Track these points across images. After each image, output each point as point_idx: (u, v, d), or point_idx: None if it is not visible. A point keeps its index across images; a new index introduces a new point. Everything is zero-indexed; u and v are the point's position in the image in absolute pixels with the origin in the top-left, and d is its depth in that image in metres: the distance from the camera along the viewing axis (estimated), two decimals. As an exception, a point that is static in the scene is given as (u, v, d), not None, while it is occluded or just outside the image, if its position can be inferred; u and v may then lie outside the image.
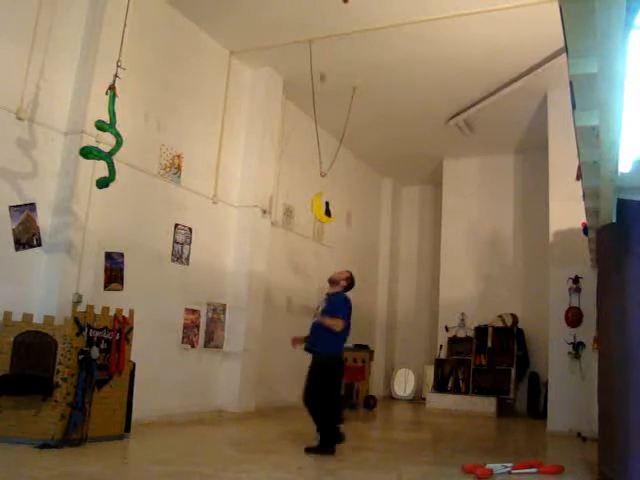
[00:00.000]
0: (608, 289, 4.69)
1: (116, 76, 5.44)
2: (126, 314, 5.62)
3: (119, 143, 5.41)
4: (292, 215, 9.97)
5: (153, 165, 7.14)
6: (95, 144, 5.76)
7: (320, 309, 5.64)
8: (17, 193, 5.60)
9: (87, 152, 5.34)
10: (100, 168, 5.50)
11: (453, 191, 12.21)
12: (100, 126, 5.39)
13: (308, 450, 5.21)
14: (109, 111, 5.38)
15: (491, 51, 7.96)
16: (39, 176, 5.80)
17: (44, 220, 5.80)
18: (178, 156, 7.51)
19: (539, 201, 9.91)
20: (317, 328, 5.52)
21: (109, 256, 6.35)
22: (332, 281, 5.82)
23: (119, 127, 5.44)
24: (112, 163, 5.32)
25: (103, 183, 5.36)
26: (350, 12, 7.25)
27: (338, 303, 5.62)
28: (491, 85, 9.00)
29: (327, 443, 5.23)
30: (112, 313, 5.49)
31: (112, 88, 5.38)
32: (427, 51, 8.07)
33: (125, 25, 5.78)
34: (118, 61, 5.55)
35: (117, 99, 5.44)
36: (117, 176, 5.42)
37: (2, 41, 5.55)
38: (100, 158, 5.35)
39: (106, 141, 5.75)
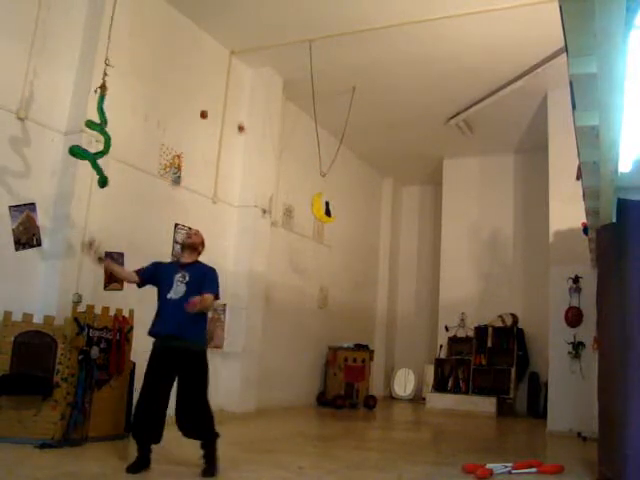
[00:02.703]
0: (608, 289, 4.69)
1: (105, 74, 5.43)
2: (126, 314, 5.62)
3: (107, 142, 5.36)
4: (292, 215, 9.97)
5: (153, 165, 7.13)
6: (95, 144, 5.76)
7: (182, 282, 4.32)
8: (17, 193, 5.60)
9: (74, 152, 5.33)
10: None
11: (453, 191, 12.21)
12: (89, 125, 5.39)
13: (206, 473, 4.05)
14: (98, 110, 5.36)
15: (491, 51, 7.96)
16: (39, 176, 5.80)
17: (44, 220, 5.79)
18: (178, 156, 7.51)
19: (539, 201, 9.91)
20: (183, 309, 4.12)
21: (109, 256, 6.33)
22: (192, 246, 4.59)
23: (119, 127, 5.45)
24: (95, 163, 5.30)
25: (100, 183, 5.39)
26: (350, 12, 7.27)
27: (214, 276, 4.47)
28: (491, 85, 9.00)
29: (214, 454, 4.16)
30: (112, 313, 5.49)
31: (102, 87, 5.37)
32: (427, 51, 8.07)
33: (112, 21, 5.76)
34: (106, 60, 5.54)
35: (116, 99, 5.45)
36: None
37: (2, 41, 5.55)
38: (84, 158, 5.35)
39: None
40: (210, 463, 4.12)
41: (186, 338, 4.27)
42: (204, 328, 4.48)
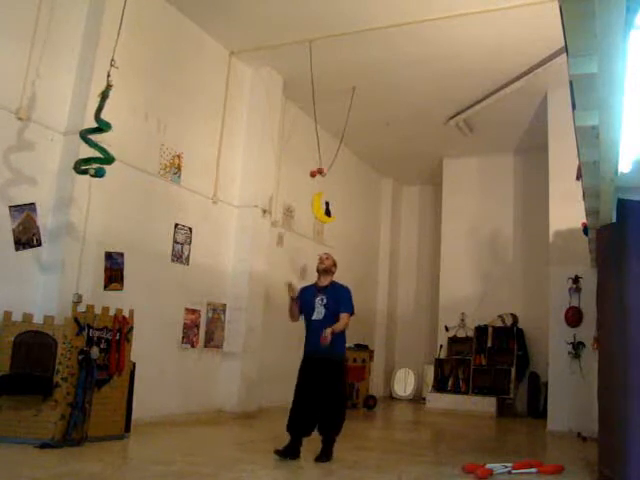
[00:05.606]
0: (608, 289, 4.69)
1: (109, 75, 5.37)
2: (126, 314, 5.62)
3: (103, 153, 5.24)
4: (292, 215, 9.97)
5: (153, 165, 7.13)
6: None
7: (321, 305, 5.08)
8: (17, 193, 5.59)
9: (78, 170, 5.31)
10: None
11: (453, 191, 12.20)
12: (83, 137, 5.28)
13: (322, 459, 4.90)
14: (95, 117, 5.23)
15: (491, 51, 7.96)
16: (39, 176, 5.80)
17: (44, 220, 5.79)
18: (178, 156, 7.50)
19: (539, 201, 9.90)
20: (326, 328, 4.91)
21: (109, 256, 6.35)
22: (326, 270, 5.25)
23: (119, 127, 5.42)
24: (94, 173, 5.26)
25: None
26: (350, 12, 7.27)
27: (348, 296, 5.20)
28: (491, 85, 9.00)
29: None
30: (112, 313, 5.49)
31: (104, 91, 5.25)
32: (427, 51, 8.06)
33: (121, 24, 5.69)
34: (112, 60, 5.44)
35: (116, 99, 5.43)
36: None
37: (2, 41, 5.54)
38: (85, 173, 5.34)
39: (107, 141, 5.72)
40: (327, 451, 4.91)
41: (329, 352, 4.93)
42: (344, 342, 5.19)
